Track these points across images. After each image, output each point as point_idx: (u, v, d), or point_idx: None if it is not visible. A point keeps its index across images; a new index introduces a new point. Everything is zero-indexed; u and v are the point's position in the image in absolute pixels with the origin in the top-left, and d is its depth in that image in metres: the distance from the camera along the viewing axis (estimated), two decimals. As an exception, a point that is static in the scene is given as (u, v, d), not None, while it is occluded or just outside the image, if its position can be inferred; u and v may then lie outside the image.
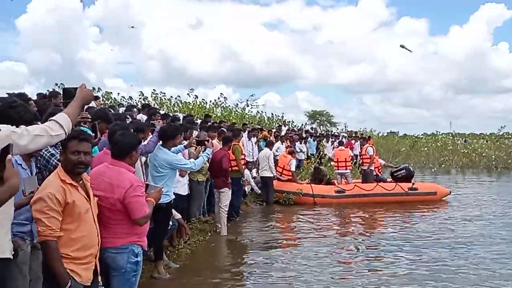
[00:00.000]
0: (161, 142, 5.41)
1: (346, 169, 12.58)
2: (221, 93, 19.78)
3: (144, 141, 5.33)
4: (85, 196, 2.79)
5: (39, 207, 2.56)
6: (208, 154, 5.98)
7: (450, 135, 32.87)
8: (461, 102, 73.14)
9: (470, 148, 25.86)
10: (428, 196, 11.71)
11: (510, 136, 27.64)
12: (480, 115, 66.14)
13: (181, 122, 8.32)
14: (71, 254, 2.65)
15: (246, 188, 10.23)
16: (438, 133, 31.39)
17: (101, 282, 3.52)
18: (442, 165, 23.56)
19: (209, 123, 10.46)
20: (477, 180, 18.37)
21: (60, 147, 2.81)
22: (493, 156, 23.79)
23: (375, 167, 12.71)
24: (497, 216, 9.88)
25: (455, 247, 7.14)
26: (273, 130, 16.48)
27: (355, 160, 15.07)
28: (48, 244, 2.57)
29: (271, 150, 11.24)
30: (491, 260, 6.43)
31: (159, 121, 5.58)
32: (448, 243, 7.42)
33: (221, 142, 8.21)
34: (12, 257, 2.41)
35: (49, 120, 2.33)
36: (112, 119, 4.84)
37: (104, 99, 14.44)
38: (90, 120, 4.16)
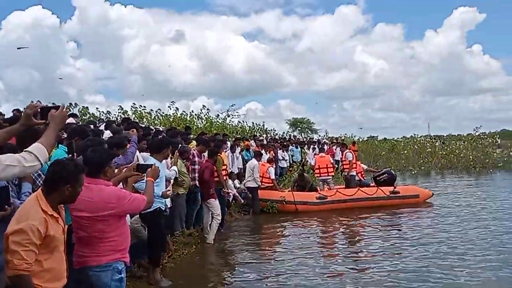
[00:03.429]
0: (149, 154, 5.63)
1: (328, 175, 12.59)
2: (203, 105, 19.78)
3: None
4: (63, 227, 2.69)
5: (19, 240, 2.38)
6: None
7: (428, 137, 33.48)
8: (439, 104, 75.02)
9: (448, 149, 26.32)
10: (411, 199, 11.82)
11: (486, 136, 28.24)
12: (457, 116, 67.87)
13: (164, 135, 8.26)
14: (41, 284, 2.52)
15: (229, 199, 10.19)
16: (416, 135, 31.93)
17: None
18: (422, 168, 23.91)
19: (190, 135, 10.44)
20: (457, 180, 18.68)
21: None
22: (471, 157, 24.24)
23: (357, 172, 12.81)
24: (480, 216, 10.04)
25: (439, 251, 7.17)
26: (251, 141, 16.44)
27: (337, 166, 15.17)
28: (23, 278, 2.40)
29: (258, 161, 11.21)
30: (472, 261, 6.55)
31: (133, 131, 5.60)
32: (432, 247, 7.45)
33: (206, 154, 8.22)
34: None
35: (25, 151, 2.29)
36: (90, 135, 4.80)
37: (81, 114, 14.29)
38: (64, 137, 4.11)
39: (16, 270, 2.38)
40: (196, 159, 8.06)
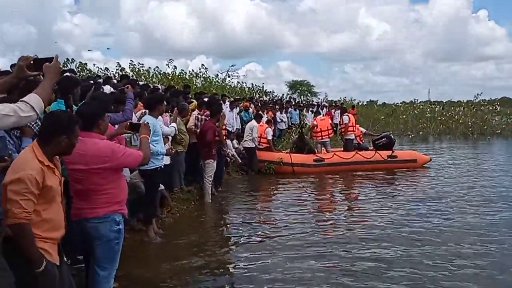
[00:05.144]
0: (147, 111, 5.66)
1: (328, 137, 12.73)
2: (202, 64, 19.53)
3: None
4: (59, 178, 2.70)
5: (18, 189, 2.40)
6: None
7: (429, 103, 33.34)
8: (441, 69, 74.46)
9: (447, 115, 26.25)
10: (408, 164, 11.83)
11: (486, 103, 28.10)
12: (459, 83, 67.45)
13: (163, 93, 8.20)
14: (41, 234, 2.55)
15: (227, 158, 10.26)
16: (416, 101, 31.83)
17: (69, 261, 3.54)
18: (420, 132, 23.92)
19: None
20: (455, 146, 18.69)
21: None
22: (470, 123, 24.20)
23: (356, 136, 12.82)
24: (476, 182, 10.04)
25: (432, 215, 7.18)
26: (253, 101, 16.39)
27: (335, 129, 15.22)
28: (23, 227, 2.42)
29: (258, 123, 11.27)
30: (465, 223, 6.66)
31: (129, 88, 5.51)
32: (424, 206, 7.63)
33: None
34: None
35: (20, 101, 2.27)
36: (80, 80, 4.89)
37: (79, 70, 14.12)
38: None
39: (15, 219, 2.40)
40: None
